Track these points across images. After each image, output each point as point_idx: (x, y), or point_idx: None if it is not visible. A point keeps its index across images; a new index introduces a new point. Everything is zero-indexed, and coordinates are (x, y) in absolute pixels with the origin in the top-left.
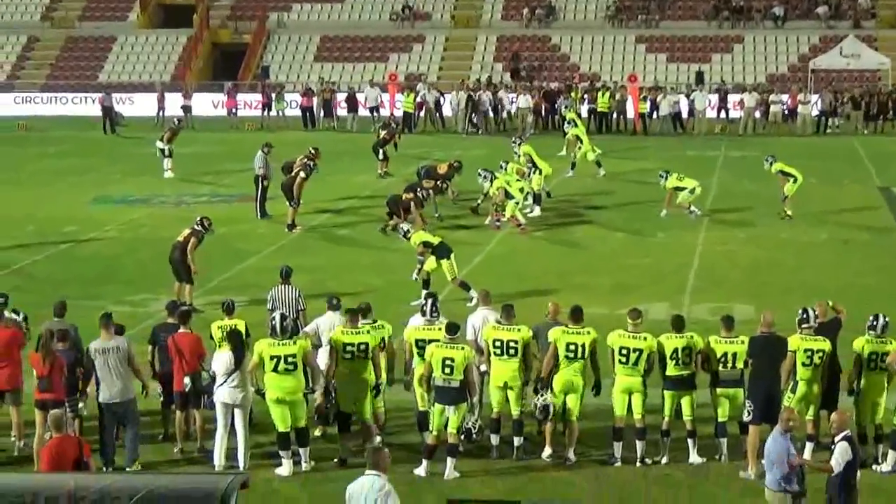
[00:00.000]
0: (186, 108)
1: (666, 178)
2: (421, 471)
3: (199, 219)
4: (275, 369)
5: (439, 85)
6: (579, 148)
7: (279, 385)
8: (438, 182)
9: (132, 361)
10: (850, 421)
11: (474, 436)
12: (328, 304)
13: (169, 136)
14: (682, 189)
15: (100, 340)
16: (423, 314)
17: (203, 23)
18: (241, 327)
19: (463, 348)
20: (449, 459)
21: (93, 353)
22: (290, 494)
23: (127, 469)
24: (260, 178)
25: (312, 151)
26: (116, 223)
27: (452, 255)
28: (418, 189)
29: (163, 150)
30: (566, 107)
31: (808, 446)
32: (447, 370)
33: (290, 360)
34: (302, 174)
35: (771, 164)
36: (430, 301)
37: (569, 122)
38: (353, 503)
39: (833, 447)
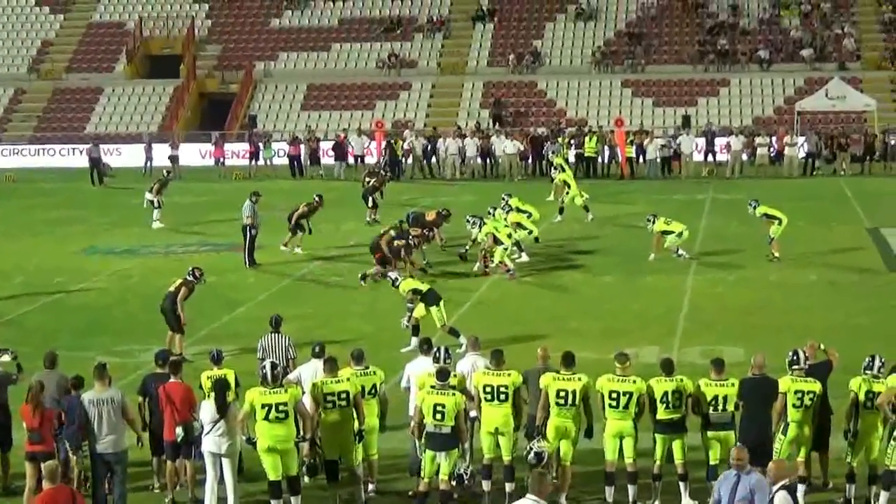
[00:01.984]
0: (174, 158)
1: (653, 222)
2: None
3: (190, 269)
4: (266, 418)
5: (426, 132)
6: (567, 193)
7: (271, 433)
8: (425, 230)
9: (127, 412)
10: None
11: (466, 482)
12: (312, 352)
13: (158, 188)
14: (670, 233)
15: (94, 391)
16: (437, 361)
17: (190, 73)
18: (230, 377)
19: (454, 394)
20: None
21: (87, 405)
22: None
23: None
24: (248, 228)
25: (317, 199)
26: (106, 273)
27: (441, 302)
28: (408, 236)
29: (152, 202)
30: (553, 152)
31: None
32: (438, 416)
33: (281, 408)
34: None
35: (755, 207)
36: (442, 349)
37: (556, 168)
38: None
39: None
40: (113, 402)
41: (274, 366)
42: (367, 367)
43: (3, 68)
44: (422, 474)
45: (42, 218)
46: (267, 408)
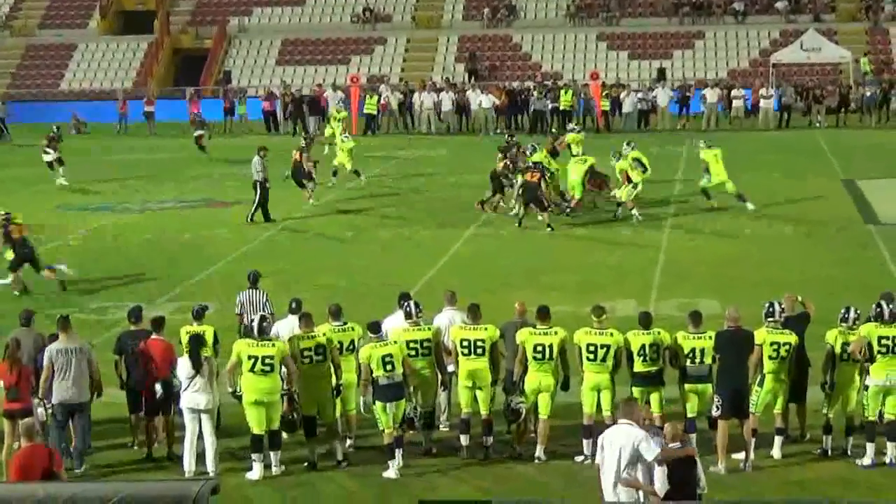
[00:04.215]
0: (149, 115)
1: (619, 159)
2: (390, 472)
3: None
4: (252, 369)
5: (401, 87)
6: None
7: (256, 386)
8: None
9: (91, 364)
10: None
11: (416, 423)
12: (289, 308)
13: (47, 144)
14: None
15: (59, 342)
16: (409, 317)
17: (164, 28)
18: (209, 333)
19: (395, 342)
20: (397, 451)
21: (53, 355)
22: (261, 499)
23: (82, 459)
24: (260, 183)
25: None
26: (80, 231)
27: None
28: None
29: (50, 163)
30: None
31: (777, 440)
32: (388, 367)
33: (267, 361)
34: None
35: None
36: (412, 303)
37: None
38: (609, 449)
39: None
40: (80, 352)
41: (263, 318)
42: (344, 323)
43: None
44: (380, 426)
45: (16, 175)
46: (253, 360)
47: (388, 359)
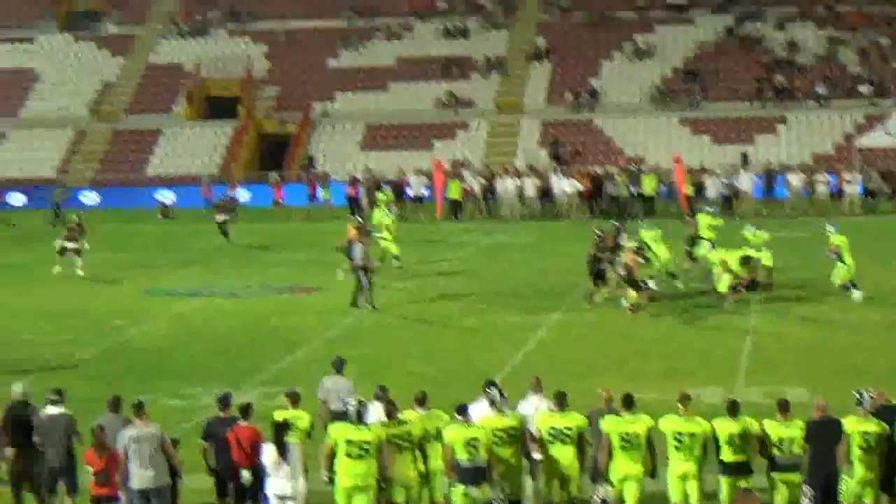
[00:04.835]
0: (233, 199)
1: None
2: None
3: None
4: (348, 454)
5: (484, 171)
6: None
7: (353, 471)
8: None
9: (167, 449)
10: None
11: None
12: (375, 395)
13: (67, 236)
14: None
15: (133, 427)
16: (493, 404)
17: (248, 114)
18: (305, 419)
19: (481, 427)
20: None
21: (126, 441)
22: None
23: None
24: (361, 269)
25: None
26: (168, 315)
27: None
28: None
29: (77, 250)
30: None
31: None
32: (472, 450)
33: (364, 445)
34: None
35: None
36: (496, 391)
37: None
38: None
39: None
40: (154, 437)
41: (361, 403)
42: (430, 410)
43: (65, 110)
44: None
45: (104, 260)
46: (350, 444)
47: (472, 442)
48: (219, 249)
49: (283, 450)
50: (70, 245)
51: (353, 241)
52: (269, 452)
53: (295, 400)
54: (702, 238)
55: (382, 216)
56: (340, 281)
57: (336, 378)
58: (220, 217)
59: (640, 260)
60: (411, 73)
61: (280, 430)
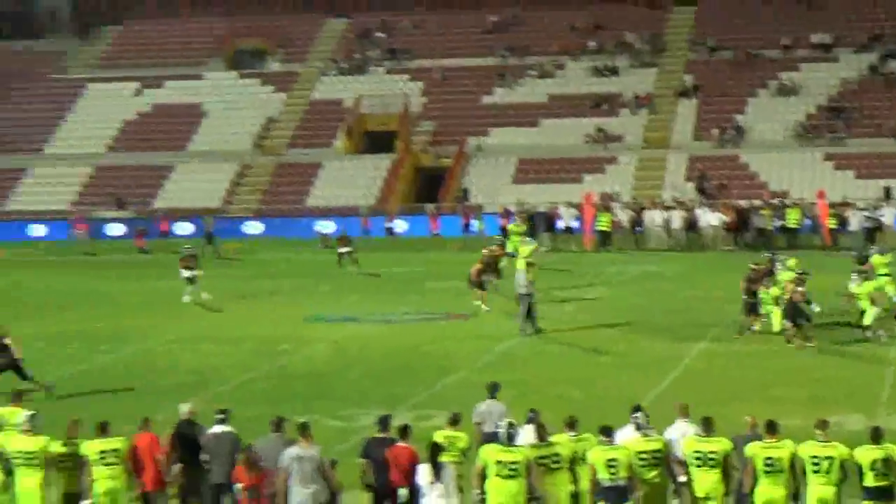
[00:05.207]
0: (389, 230)
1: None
2: None
3: None
4: (498, 474)
5: (633, 204)
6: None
7: (503, 490)
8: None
9: (325, 470)
10: None
11: None
12: (527, 419)
13: (185, 264)
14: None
15: (297, 448)
16: (638, 429)
17: (405, 147)
18: (463, 440)
19: (623, 447)
20: None
21: (289, 460)
22: None
23: None
24: (524, 296)
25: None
26: (327, 341)
27: None
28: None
29: (189, 279)
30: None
31: None
32: (612, 470)
33: (513, 466)
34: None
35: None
36: (640, 416)
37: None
38: None
39: None
40: (314, 458)
41: (511, 425)
42: (579, 433)
43: (230, 144)
44: None
45: (267, 287)
46: (501, 465)
47: (612, 462)
48: (375, 278)
49: (437, 469)
50: (186, 273)
51: (494, 261)
52: (424, 472)
53: (455, 421)
54: (881, 275)
55: (519, 244)
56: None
57: (490, 402)
58: (343, 249)
59: (799, 289)
60: (562, 110)
61: (435, 451)
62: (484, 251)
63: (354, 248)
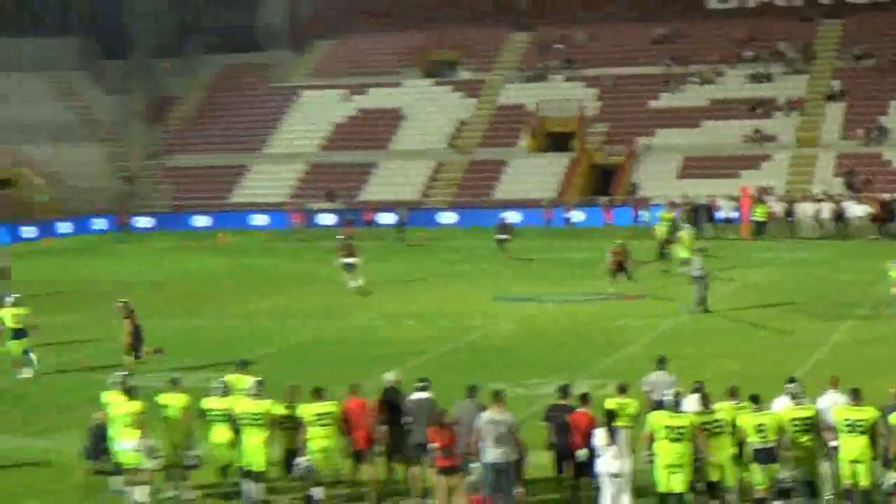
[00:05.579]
0: (567, 220)
1: None
2: None
3: None
4: (666, 437)
5: (785, 197)
6: None
7: (670, 452)
8: None
9: (515, 433)
10: None
11: (793, 494)
12: (692, 389)
13: (345, 253)
14: None
15: (490, 412)
16: (793, 398)
17: (582, 147)
18: (633, 405)
19: (769, 413)
20: None
21: (483, 423)
22: None
23: None
24: (698, 279)
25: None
26: (512, 317)
27: None
28: None
29: (350, 264)
30: None
31: None
32: (761, 434)
33: (680, 430)
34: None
35: None
36: (794, 386)
37: None
38: None
39: None
40: (506, 423)
41: (678, 394)
42: (740, 401)
43: (427, 144)
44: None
45: (457, 270)
46: (668, 429)
47: (761, 427)
48: (555, 263)
49: (612, 433)
50: (347, 260)
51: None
52: (600, 435)
53: (623, 390)
54: None
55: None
56: (659, 289)
57: (659, 373)
58: (501, 237)
59: None
60: (721, 113)
61: (610, 417)
62: (609, 250)
63: (511, 236)
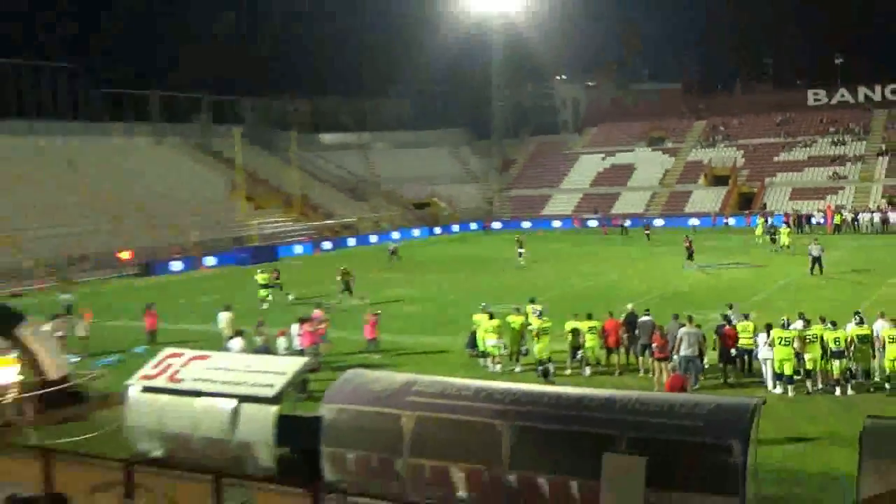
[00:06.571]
0: (725, 223)
1: None
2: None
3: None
4: (780, 343)
5: (853, 209)
6: None
7: (781, 353)
8: None
9: (700, 341)
10: None
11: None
12: (798, 314)
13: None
14: None
15: (686, 328)
16: (861, 322)
17: (734, 183)
18: (750, 327)
19: (843, 331)
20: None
21: (682, 333)
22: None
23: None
24: (816, 257)
25: None
26: (689, 280)
27: None
28: None
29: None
30: None
31: None
32: (836, 343)
33: (787, 339)
34: None
35: None
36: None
37: None
38: None
39: None
40: (694, 334)
41: (787, 319)
42: (826, 323)
43: (647, 182)
44: None
45: (659, 251)
46: (780, 339)
47: (836, 339)
48: (713, 249)
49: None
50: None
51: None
52: (762, 338)
53: (746, 317)
54: None
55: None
56: (770, 261)
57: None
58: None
59: None
60: (815, 163)
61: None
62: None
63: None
